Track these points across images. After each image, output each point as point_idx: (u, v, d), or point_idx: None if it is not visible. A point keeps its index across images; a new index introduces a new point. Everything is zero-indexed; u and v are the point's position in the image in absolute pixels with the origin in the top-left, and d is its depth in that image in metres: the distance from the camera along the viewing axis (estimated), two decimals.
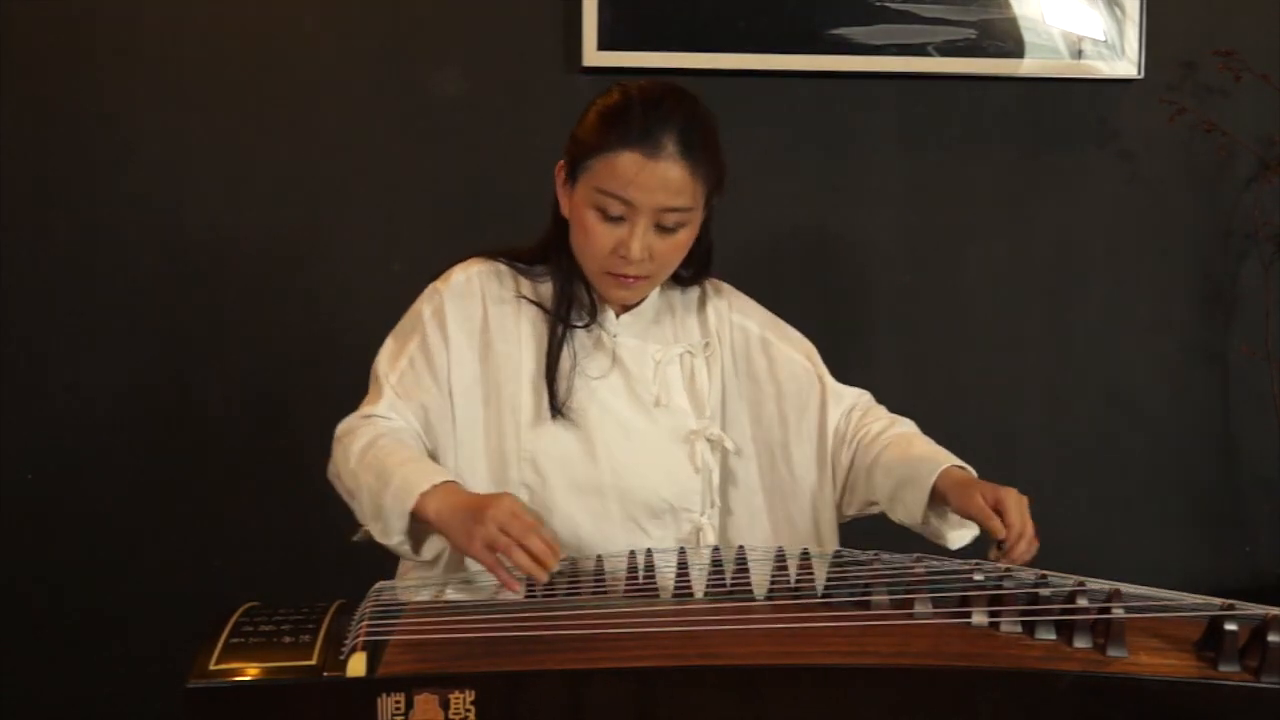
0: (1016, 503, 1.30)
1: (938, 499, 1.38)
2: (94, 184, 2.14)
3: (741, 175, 2.21)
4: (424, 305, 1.47)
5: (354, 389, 1.53)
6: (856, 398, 1.55)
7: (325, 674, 1.07)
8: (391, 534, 1.34)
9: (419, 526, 1.35)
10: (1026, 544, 1.28)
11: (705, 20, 2.14)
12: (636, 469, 1.45)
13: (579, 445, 1.44)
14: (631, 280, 1.41)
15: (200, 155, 2.15)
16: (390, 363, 1.46)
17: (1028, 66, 2.18)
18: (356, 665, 1.07)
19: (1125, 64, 2.19)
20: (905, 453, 1.44)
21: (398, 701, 1.05)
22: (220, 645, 1.11)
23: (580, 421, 1.44)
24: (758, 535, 1.51)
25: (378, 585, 1.38)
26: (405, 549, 1.37)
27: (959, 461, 1.41)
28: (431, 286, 1.48)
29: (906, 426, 1.52)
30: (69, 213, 2.14)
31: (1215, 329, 2.29)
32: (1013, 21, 2.17)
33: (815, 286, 2.25)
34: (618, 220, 1.37)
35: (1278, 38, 2.23)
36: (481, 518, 1.24)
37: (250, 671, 1.08)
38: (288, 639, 1.12)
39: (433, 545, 1.38)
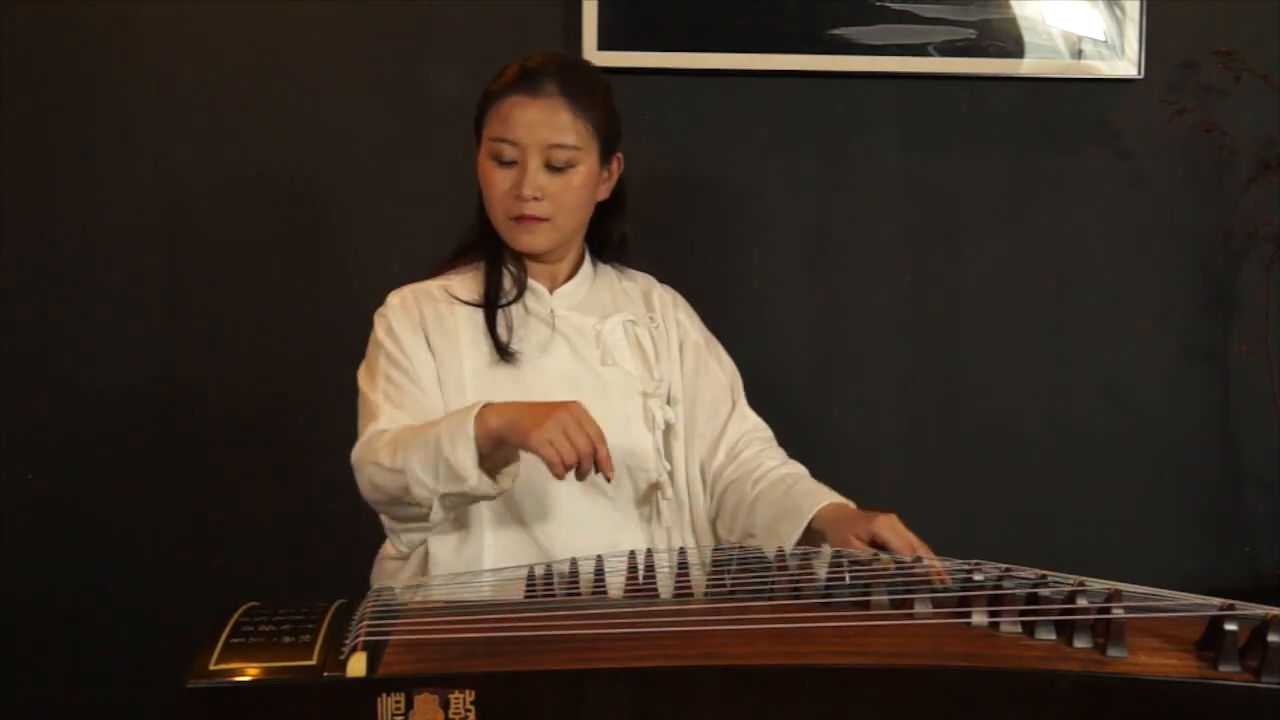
0: (890, 529, 1.32)
1: (814, 536, 1.40)
2: (94, 184, 2.14)
3: (742, 175, 2.23)
4: (377, 329, 1.54)
5: (353, 390, 1.54)
6: (758, 427, 1.61)
7: (325, 674, 1.07)
8: (465, 467, 1.30)
9: (487, 460, 1.33)
10: (924, 552, 1.30)
11: (705, 20, 2.14)
12: None
13: None
14: (531, 221, 1.48)
15: (200, 155, 2.14)
16: (370, 383, 1.50)
17: (1028, 66, 2.18)
18: (356, 665, 1.07)
19: (1125, 64, 2.19)
20: (789, 488, 1.48)
21: (398, 701, 1.05)
22: (220, 645, 1.11)
23: (528, 390, 1.48)
24: (684, 517, 1.57)
25: (378, 585, 1.38)
26: (486, 484, 1.33)
27: (841, 499, 1.44)
28: (378, 312, 1.56)
29: (796, 468, 1.55)
30: (69, 212, 2.14)
31: (1215, 329, 2.29)
32: (1013, 21, 2.17)
33: (815, 286, 2.25)
34: (511, 165, 1.47)
35: (1278, 38, 2.23)
36: (557, 411, 1.27)
37: (250, 671, 1.08)
38: (288, 639, 1.12)
39: (508, 472, 1.36)
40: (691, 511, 1.57)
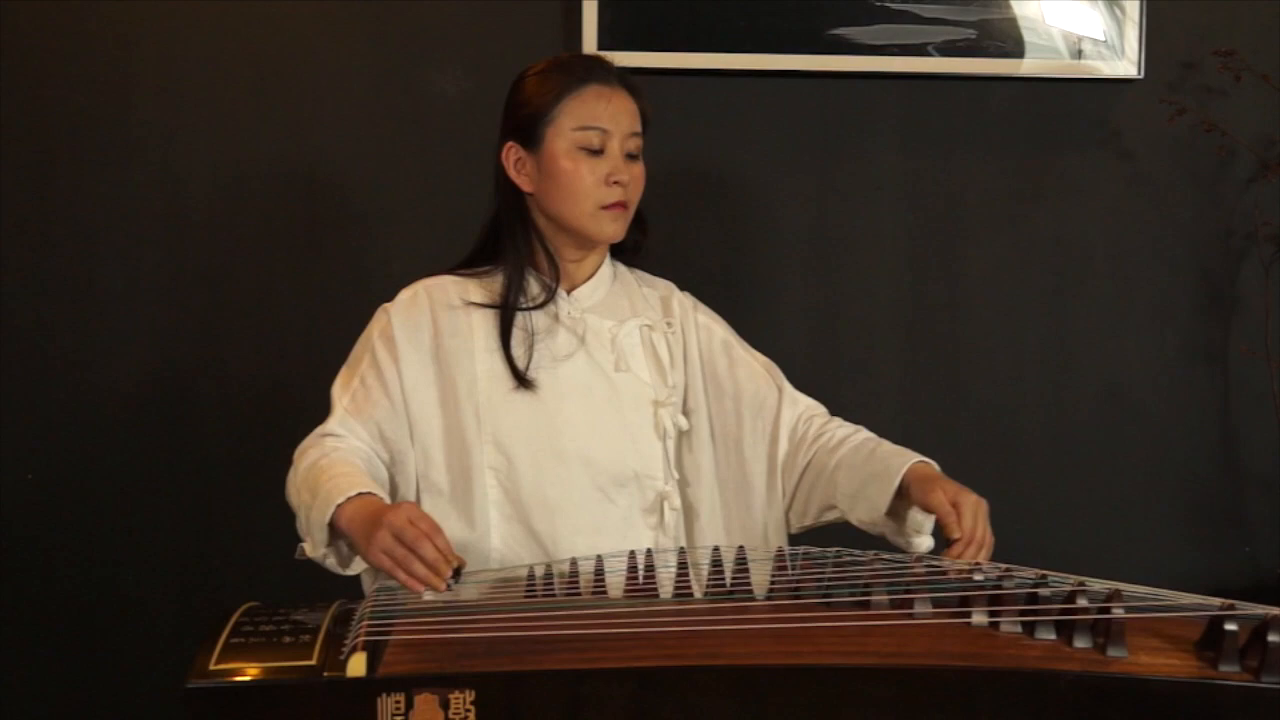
0: (973, 507, 1.32)
1: (902, 495, 1.39)
2: (95, 184, 2.14)
3: (742, 175, 2.23)
4: (373, 327, 1.52)
5: None
6: (812, 405, 1.58)
7: (325, 674, 1.07)
8: (318, 547, 1.38)
9: (345, 541, 1.38)
10: (976, 548, 1.29)
11: (705, 20, 2.14)
12: (599, 435, 1.48)
13: (541, 418, 1.47)
14: (620, 208, 1.49)
15: (200, 155, 2.14)
16: (343, 386, 1.51)
17: (1028, 66, 2.18)
18: (356, 665, 1.07)
19: (1125, 64, 2.19)
20: (873, 452, 1.47)
21: (398, 701, 1.05)
22: (220, 645, 1.11)
23: (541, 394, 1.47)
24: (714, 524, 1.54)
25: (378, 585, 1.39)
26: (331, 563, 1.40)
27: (927, 459, 1.43)
28: (380, 308, 1.54)
29: (870, 434, 1.54)
30: (69, 212, 2.14)
31: (1215, 329, 2.29)
32: (1013, 21, 2.17)
33: (815, 286, 2.25)
34: (599, 154, 1.47)
35: (1278, 38, 2.23)
36: (380, 524, 1.26)
37: (250, 671, 1.08)
38: (288, 639, 1.12)
39: (360, 560, 1.40)
40: (726, 517, 1.54)
